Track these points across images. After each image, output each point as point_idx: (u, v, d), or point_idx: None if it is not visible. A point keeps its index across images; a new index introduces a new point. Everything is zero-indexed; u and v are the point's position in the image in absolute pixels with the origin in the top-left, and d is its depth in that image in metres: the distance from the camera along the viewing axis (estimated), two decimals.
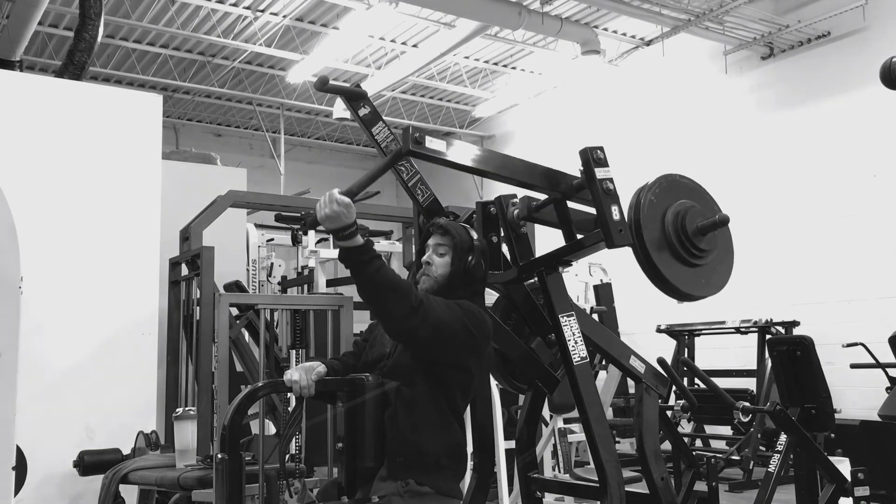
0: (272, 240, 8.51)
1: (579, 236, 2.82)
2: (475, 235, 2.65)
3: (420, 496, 2.39)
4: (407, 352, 2.49)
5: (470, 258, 2.58)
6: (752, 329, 7.39)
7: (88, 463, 3.67)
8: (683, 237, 2.68)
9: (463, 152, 2.53)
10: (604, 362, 5.53)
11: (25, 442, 3.24)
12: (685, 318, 8.56)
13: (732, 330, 7.55)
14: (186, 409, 3.54)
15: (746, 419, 4.01)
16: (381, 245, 10.01)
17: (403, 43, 10.09)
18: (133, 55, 10.20)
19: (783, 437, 4.11)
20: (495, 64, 10.98)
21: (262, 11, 9.10)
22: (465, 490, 2.83)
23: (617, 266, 8.96)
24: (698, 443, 7.54)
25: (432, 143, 2.38)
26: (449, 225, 2.62)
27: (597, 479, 2.64)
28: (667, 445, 3.97)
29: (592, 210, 2.69)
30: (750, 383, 7.21)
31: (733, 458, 6.37)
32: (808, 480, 3.70)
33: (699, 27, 8.62)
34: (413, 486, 2.39)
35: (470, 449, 3.01)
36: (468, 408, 2.77)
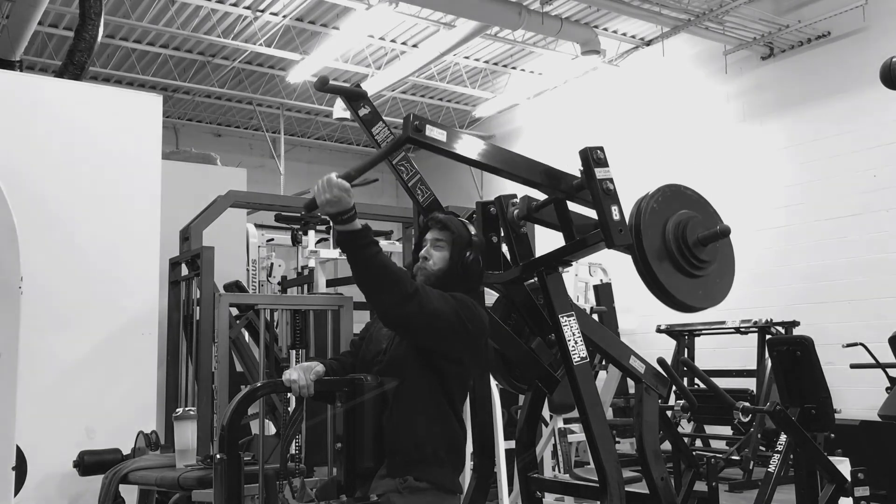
0: (272, 240, 8.52)
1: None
2: (473, 231, 2.64)
3: (419, 492, 2.39)
4: (402, 345, 2.50)
5: (468, 254, 2.58)
6: (752, 329, 7.39)
7: (88, 463, 3.67)
8: (684, 247, 2.67)
9: (464, 144, 2.53)
10: (604, 362, 5.53)
11: (25, 442, 3.24)
12: (685, 318, 8.56)
13: (732, 330, 7.55)
14: (186, 409, 3.54)
15: (746, 419, 4.01)
16: (381, 245, 10.03)
17: (403, 43, 10.09)
18: (133, 55, 10.20)
19: (783, 437, 4.11)
20: (495, 64, 10.98)
21: (262, 11, 9.10)
22: (465, 486, 2.83)
23: (617, 266, 8.97)
24: (698, 443, 7.54)
25: (432, 132, 2.39)
26: (447, 220, 2.62)
27: (597, 479, 2.64)
28: (667, 445, 3.98)
29: (592, 213, 2.69)
30: (750, 383, 7.21)
31: (733, 458, 6.37)
32: (808, 480, 3.70)
33: (699, 27, 8.62)
34: (412, 482, 2.39)
35: (470, 449, 3.01)
36: (468, 408, 2.77)
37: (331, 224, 6.59)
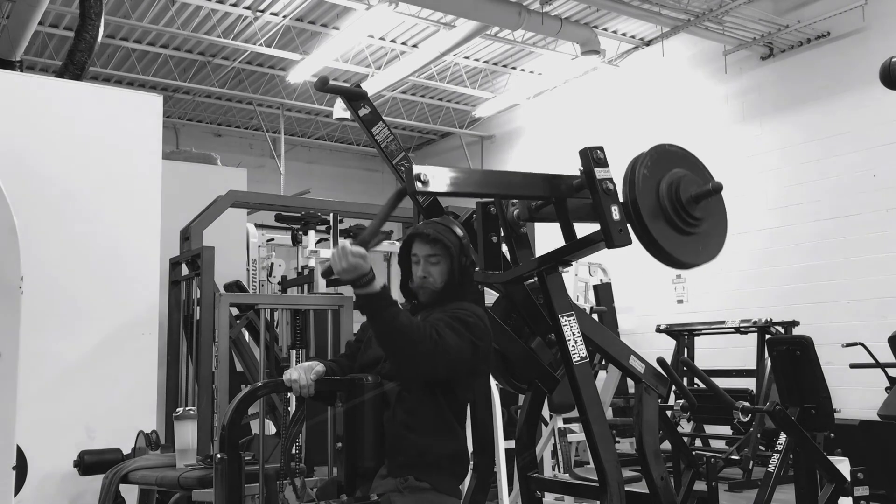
0: (272, 240, 8.52)
1: (579, 235, 2.82)
2: (460, 232, 2.64)
3: (419, 491, 2.40)
4: None
5: (464, 259, 2.60)
6: (751, 329, 7.39)
7: (89, 463, 3.67)
8: (678, 206, 2.68)
9: (464, 181, 2.51)
10: (604, 362, 5.53)
11: (25, 442, 3.24)
12: (685, 318, 8.57)
13: (732, 330, 7.56)
14: (186, 408, 3.54)
15: (746, 419, 4.01)
16: (381, 246, 10.04)
17: (403, 43, 10.10)
18: (133, 55, 10.20)
19: (783, 437, 4.11)
20: (495, 64, 10.98)
21: (263, 11, 9.10)
22: (464, 490, 2.83)
23: (617, 266, 8.98)
24: (698, 442, 7.55)
25: (435, 182, 2.38)
26: (437, 233, 2.60)
27: (597, 479, 2.64)
28: (666, 445, 3.98)
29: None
30: (750, 383, 7.21)
31: (733, 457, 6.37)
32: (808, 480, 3.70)
33: (699, 27, 8.62)
34: (412, 481, 2.40)
35: (470, 449, 3.01)
36: (468, 407, 2.78)
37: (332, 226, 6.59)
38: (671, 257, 2.70)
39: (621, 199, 2.63)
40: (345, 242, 2.27)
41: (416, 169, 2.33)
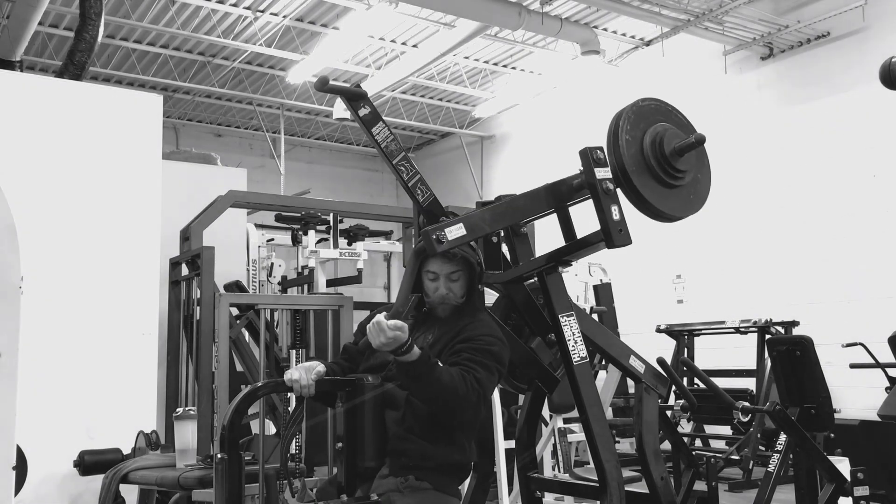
0: (272, 240, 8.51)
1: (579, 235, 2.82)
2: (474, 247, 2.67)
3: (419, 491, 2.41)
4: None
5: (479, 270, 2.65)
6: (751, 329, 7.38)
7: (89, 463, 3.67)
8: (662, 160, 2.69)
9: (478, 225, 2.52)
10: (604, 362, 5.53)
11: (25, 442, 3.24)
12: (685, 318, 8.56)
13: (732, 330, 7.55)
14: (186, 408, 3.54)
15: (746, 419, 4.02)
16: (381, 245, 10.05)
17: (403, 43, 10.10)
18: (133, 55, 10.20)
19: (783, 437, 4.11)
20: (495, 64, 10.98)
21: (262, 12, 9.10)
22: (464, 491, 2.83)
23: (617, 266, 8.96)
24: (698, 443, 7.54)
25: (452, 234, 2.41)
26: (456, 251, 2.58)
27: (597, 479, 2.64)
28: (666, 445, 3.97)
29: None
30: (750, 383, 7.21)
31: (733, 457, 6.36)
32: (808, 480, 3.70)
33: (699, 27, 8.62)
34: (412, 481, 2.41)
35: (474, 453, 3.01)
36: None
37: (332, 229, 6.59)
38: (658, 211, 2.71)
39: (606, 158, 2.65)
40: (380, 318, 2.26)
41: (433, 231, 2.38)
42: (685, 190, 2.77)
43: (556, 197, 2.75)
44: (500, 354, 2.53)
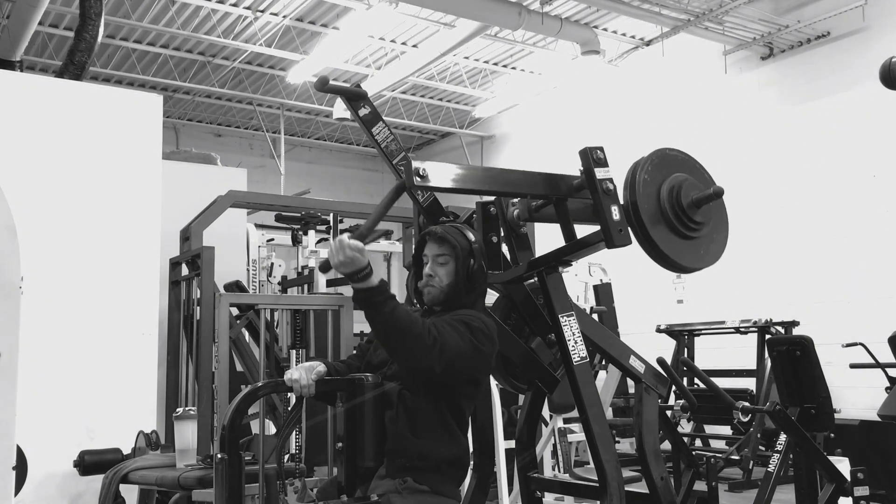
0: (272, 240, 8.51)
1: (579, 235, 2.82)
2: (473, 237, 2.63)
3: (418, 493, 2.40)
4: None
5: (471, 262, 2.58)
6: (751, 329, 7.38)
7: (89, 463, 3.67)
8: (679, 211, 2.69)
9: (464, 177, 2.50)
10: (604, 362, 5.53)
11: (25, 442, 3.24)
12: (685, 318, 8.56)
13: (732, 330, 7.55)
14: (187, 408, 3.54)
15: (746, 419, 4.01)
16: (381, 245, 10.04)
17: (403, 43, 10.10)
18: (133, 55, 10.20)
19: (783, 437, 4.11)
20: (495, 64, 10.98)
21: (262, 11, 9.10)
22: (463, 492, 2.83)
23: (617, 266, 8.96)
24: (698, 443, 7.54)
25: (435, 177, 2.37)
26: (446, 233, 2.60)
27: (597, 479, 2.64)
28: (666, 445, 3.97)
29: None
30: (750, 383, 7.21)
31: (733, 457, 6.36)
32: (808, 480, 3.69)
33: (699, 27, 8.62)
34: (411, 483, 2.40)
35: (470, 449, 3.01)
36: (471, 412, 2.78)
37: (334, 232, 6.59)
38: (672, 261, 2.71)
39: (622, 203, 2.63)
40: (343, 236, 2.26)
41: (416, 164, 2.33)
42: (699, 242, 2.76)
43: (553, 187, 2.74)
44: (477, 330, 2.45)
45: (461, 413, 2.55)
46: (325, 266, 2.34)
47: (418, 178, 2.32)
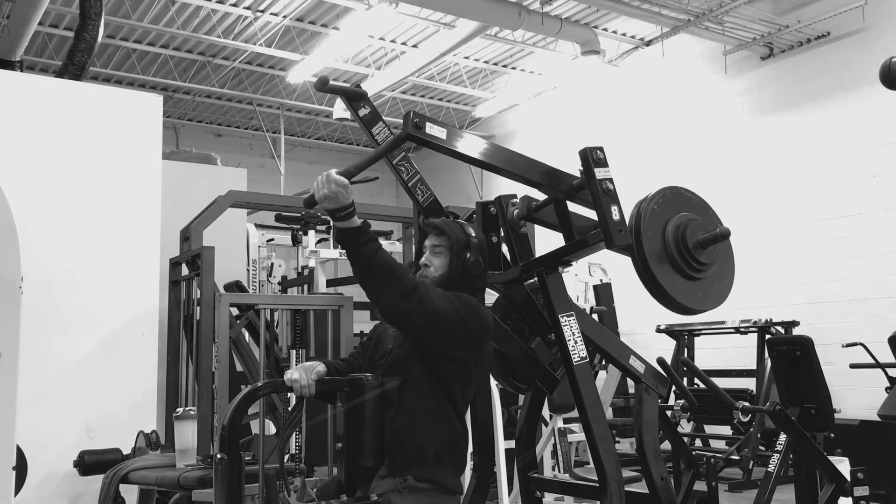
0: (272, 240, 8.52)
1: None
2: (472, 232, 2.63)
3: (419, 492, 2.40)
4: (406, 345, 2.50)
5: (468, 255, 2.58)
6: (751, 329, 7.39)
7: (88, 463, 3.67)
8: (684, 250, 2.67)
9: (464, 142, 2.53)
10: (604, 362, 5.53)
11: (25, 442, 3.25)
12: (685, 318, 8.56)
13: (732, 330, 7.55)
14: (187, 408, 3.54)
15: (746, 419, 4.01)
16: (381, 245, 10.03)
17: (403, 43, 10.10)
18: (133, 55, 10.20)
19: (783, 437, 4.11)
20: (495, 64, 10.98)
21: (263, 12, 9.10)
22: (465, 486, 2.83)
23: (617, 266, 8.96)
24: (698, 443, 7.55)
25: (432, 129, 2.39)
26: (444, 224, 2.63)
27: (597, 479, 2.64)
28: (666, 445, 3.98)
29: (592, 213, 2.69)
30: (750, 383, 7.21)
31: (733, 457, 6.37)
32: (808, 480, 3.70)
33: (699, 27, 8.62)
34: (412, 482, 2.39)
35: (470, 448, 3.01)
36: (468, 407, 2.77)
37: (331, 223, 6.59)
38: (675, 302, 2.69)
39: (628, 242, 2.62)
40: (330, 171, 2.26)
41: (417, 117, 2.36)
42: (704, 284, 2.75)
43: (552, 179, 2.74)
44: (466, 303, 2.44)
45: (454, 397, 2.51)
46: (309, 201, 2.32)
47: (415, 128, 2.33)
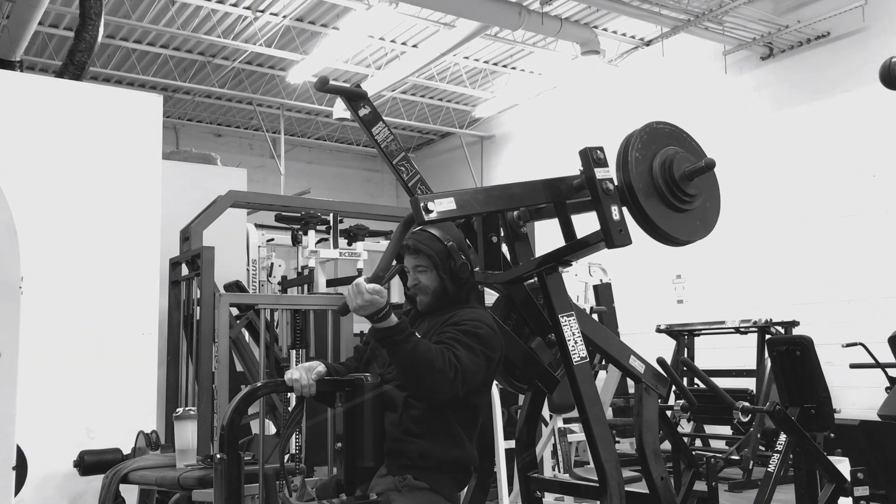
0: (272, 240, 8.51)
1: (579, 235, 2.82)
2: (447, 238, 2.63)
3: (418, 490, 2.41)
4: None
5: (452, 263, 2.60)
6: (751, 329, 7.38)
7: (89, 463, 3.67)
8: (672, 184, 2.69)
9: (468, 203, 2.53)
10: (604, 362, 5.53)
11: (25, 442, 3.24)
12: (685, 318, 8.56)
13: (732, 330, 7.55)
14: (187, 408, 3.53)
15: (746, 419, 4.01)
16: (381, 245, 10.04)
17: (403, 43, 10.10)
18: (133, 55, 10.20)
19: (783, 437, 4.11)
20: (495, 64, 10.98)
21: (262, 12, 9.10)
22: (463, 495, 2.83)
23: (617, 266, 8.96)
24: (698, 443, 7.54)
25: (441, 207, 2.40)
26: (419, 242, 2.62)
27: (597, 479, 2.64)
28: (667, 445, 3.97)
29: (588, 219, 2.70)
30: (750, 383, 7.21)
31: (733, 457, 6.36)
32: (808, 480, 3.70)
33: (699, 27, 8.62)
34: (411, 481, 2.41)
35: (475, 455, 3.01)
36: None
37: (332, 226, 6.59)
38: (667, 235, 2.72)
39: (615, 181, 2.64)
40: (359, 280, 2.29)
41: (422, 200, 2.36)
42: (693, 215, 2.77)
43: (554, 192, 2.75)
44: (487, 338, 2.49)
45: (467, 418, 2.55)
46: (343, 310, 2.38)
47: (426, 214, 2.36)
